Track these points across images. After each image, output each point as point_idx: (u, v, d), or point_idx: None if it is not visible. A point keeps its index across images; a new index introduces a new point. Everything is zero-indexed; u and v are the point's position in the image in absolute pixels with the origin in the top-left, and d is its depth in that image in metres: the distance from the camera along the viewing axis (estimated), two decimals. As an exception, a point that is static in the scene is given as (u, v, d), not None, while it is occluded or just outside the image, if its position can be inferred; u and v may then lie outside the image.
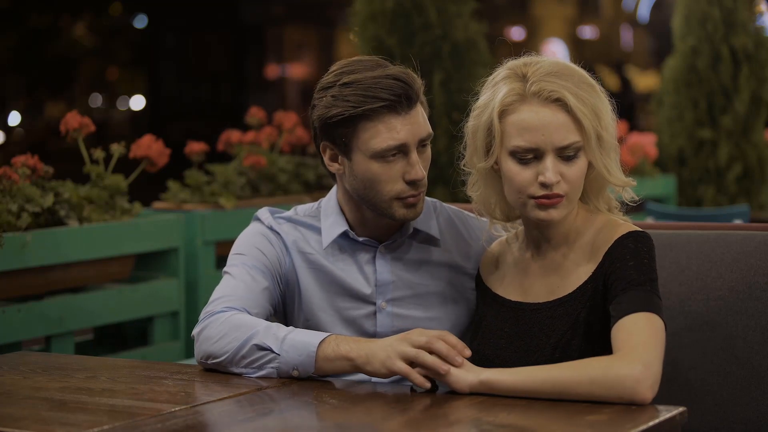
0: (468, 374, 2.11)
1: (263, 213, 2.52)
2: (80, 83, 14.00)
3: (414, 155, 2.37)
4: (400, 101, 2.34)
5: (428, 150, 2.42)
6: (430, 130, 2.40)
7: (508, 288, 2.36)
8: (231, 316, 2.33)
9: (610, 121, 2.24)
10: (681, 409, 2.03)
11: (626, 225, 2.29)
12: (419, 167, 2.37)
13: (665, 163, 6.61)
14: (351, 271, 2.47)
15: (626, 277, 2.19)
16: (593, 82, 2.25)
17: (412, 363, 2.15)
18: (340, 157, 2.41)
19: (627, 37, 18.35)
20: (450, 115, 4.78)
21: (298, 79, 15.15)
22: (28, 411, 2.04)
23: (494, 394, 2.10)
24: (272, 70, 15.07)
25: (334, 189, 2.53)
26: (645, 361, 2.07)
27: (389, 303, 2.46)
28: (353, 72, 2.38)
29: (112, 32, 14.09)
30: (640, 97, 13.88)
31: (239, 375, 2.28)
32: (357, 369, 2.21)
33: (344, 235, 2.47)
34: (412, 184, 2.38)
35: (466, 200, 2.49)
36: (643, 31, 18.15)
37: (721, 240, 2.55)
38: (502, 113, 2.22)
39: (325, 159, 2.43)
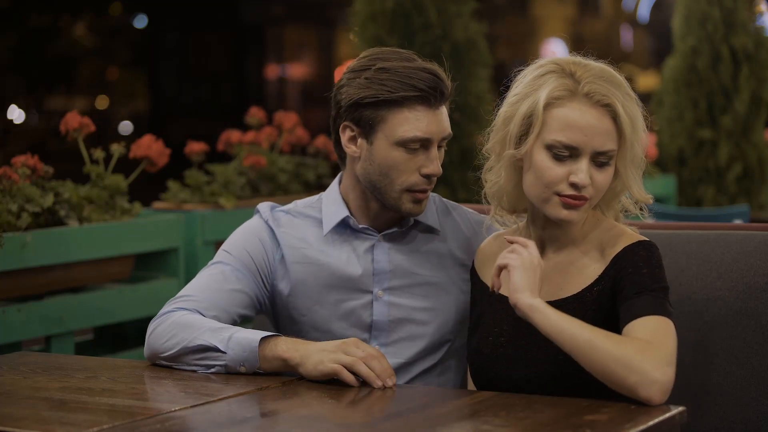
0: (526, 295, 2.15)
1: (263, 206, 2.56)
2: (80, 83, 14.00)
3: (434, 150, 2.42)
4: (434, 95, 2.39)
5: (443, 151, 2.46)
6: (451, 132, 2.45)
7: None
8: (181, 316, 2.38)
9: (642, 135, 2.26)
10: (680, 408, 2.03)
11: (634, 234, 2.29)
12: (437, 163, 2.42)
13: (665, 163, 6.61)
14: (348, 260, 2.49)
15: (641, 282, 2.20)
16: (633, 93, 2.26)
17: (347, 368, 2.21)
18: (359, 139, 2.43)
19: (627, 37, 18.34)
20: (450, 115, 4.77)
21: (298, 79, 15.15)
22: (28, 411, 2.04)
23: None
24: (272, 70, 15.07)
25: (335, 181, 2.56)
26: (670, 365, 2.08)
27: (386, 292, 2.48)
28: (389, 60, 2.43)
29: (112, 32, 14.09)
30: (642, 97, 13.87)
31: (192, 370, 2.33)
32: (291, 369, 2.27)
33: (344, 222, 2.49)
34: (427, 177, 2.41)
35: (467, 200, 2.50)
36: (643, 31, 18.14)
37: (721, 240, 2.55)
38: (548, 105, 2.22)
39: (343, 139, 2.46)
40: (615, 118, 2.21)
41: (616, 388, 2.08)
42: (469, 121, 4.84)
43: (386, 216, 2.49)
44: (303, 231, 2.52)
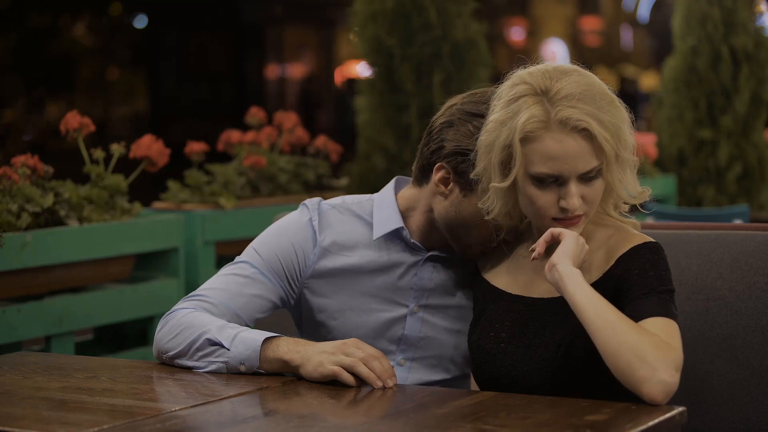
0: (568, 263, 2.15)
1: (312, 202, 2.51)
2: (80, 83, 13.99)
3: None
4: None
5: None
6: None
7: (508, 281, 2.36)
8: (188, 314, 2.37)
9: (628, 138, 2.22)
10: (680, 408, 2.03)
11: (640, 235, 2.29)
12: None
13: (665, 163, 6.61)
14: (392, 271, 2.46)
15: (647, 284, 2.19)
16: (613, 96, 2.22)
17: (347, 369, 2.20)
18: (453, 184, 2.39)
19: (627, 37, 18.35)
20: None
21: (298, 79, 15.15)
22: (29, 411, 2.04)
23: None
24: (272, 70, 15.07)
25: (391, 186, 2.51)
26: (678, 370, 2.08)
27: (422, 308, 2.46)
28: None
29: (111, 32, 14.08)
30: (642, 97, 13.88)
31: (192, 370, 2.33)
32: (291, 370, 2.26)
33: (397, 232, 2.46)
34: (498, 236, 2.38)
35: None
36: (643, 31, 18.15)
37: (721, 240, 2.55)
38: (524, 140, 2.18)
39: (435, 176, 2.40)
40: (592, 137, 2.17)
41: (621, 376, 2.08)
42: (470, 122, 4.83)
43: (441, 239, 2.45)
44: (350, 229, 2.48)
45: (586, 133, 2.17)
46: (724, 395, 2.49)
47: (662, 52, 8.58)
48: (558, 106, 2.17)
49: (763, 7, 6.59)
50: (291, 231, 2.48)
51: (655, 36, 17.43)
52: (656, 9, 17.29)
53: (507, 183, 2.23)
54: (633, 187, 2.27)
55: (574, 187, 2.19)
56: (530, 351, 2.25)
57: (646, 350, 2.06)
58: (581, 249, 2.20)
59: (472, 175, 2.32)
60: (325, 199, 2.55)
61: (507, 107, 2.22)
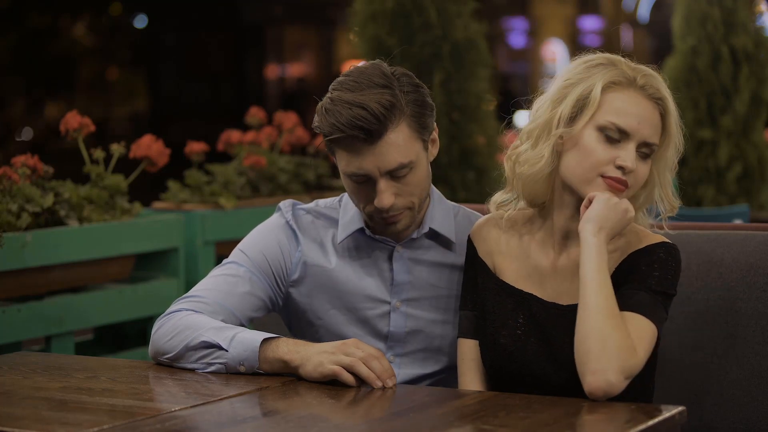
0: (592, 229, 2.20)
1: (286, 205, 2.52)
2: (80, 83, 14.00)
3: (381, 184, 2.33)
4: (356, 136, 2.30)
5: (412, 175, 2.35)
6: (405, 160, 2.33)
7: (518, 276, 2.34)
8: (185, 316, 2.37)
9: (681, 137, 2.32)
10: (680, 408, 2.03)
11: (659, 235, 2.31)
12: (385, 196, 2.33)
13: (665, 163, 6.59)
14: (367, 270, 2.46)
15: (645, 281, 2.21)
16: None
17: (347, 369, 2.20)
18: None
19: (627, 37, 18.35)
20: (450, 115, 4.78)
21: (298, 78, 15.15)
22: (28, 411, 2.04)
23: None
24: (272, 70, 15.07)
25: None
26: (628, 378, 2.11)
27: (404, 303, 2.46)
28: (344, 87, 2.34)
29: (112, 32, 14.09)
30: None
31: (192, 370, 2.33)
32: (291, 370, 2.26)
33: (361, 231, 2.46)
34: (380, 210, 2.36)
35: (467, 200, 2.48)
36: (643, 31, 18.15)
37: (721, 240, 2.55)
38: (606, 89, 2.26)
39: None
40: (664, 114, 2.27)
41: (577, 357, 2.13)
42: (469, 121, 4.84)
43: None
44: (323, 234, 2.49)
45: (660, 105, 2.27)
46: (724, 395, 2.49)
47: (662, 52, 8.58)
48: (639, 75, 2.28)
49: (763, 7, 6.58)
50: (274, 233, 2.49)
51: (655, 36, 17.42)
52: (656, 9, 17.28)
53: (576, 129, 2.26)
54: (667, 191, 2.33)
55: (633, 150, 2.24)
56: (557, 351, 2.24)
57: (611, 347, 2.10)
58: (614, 212, 2.22)
59: (520, 135, 2.33)
60: (317, 199, 2.57)
61: (585, 70, 2.30)
